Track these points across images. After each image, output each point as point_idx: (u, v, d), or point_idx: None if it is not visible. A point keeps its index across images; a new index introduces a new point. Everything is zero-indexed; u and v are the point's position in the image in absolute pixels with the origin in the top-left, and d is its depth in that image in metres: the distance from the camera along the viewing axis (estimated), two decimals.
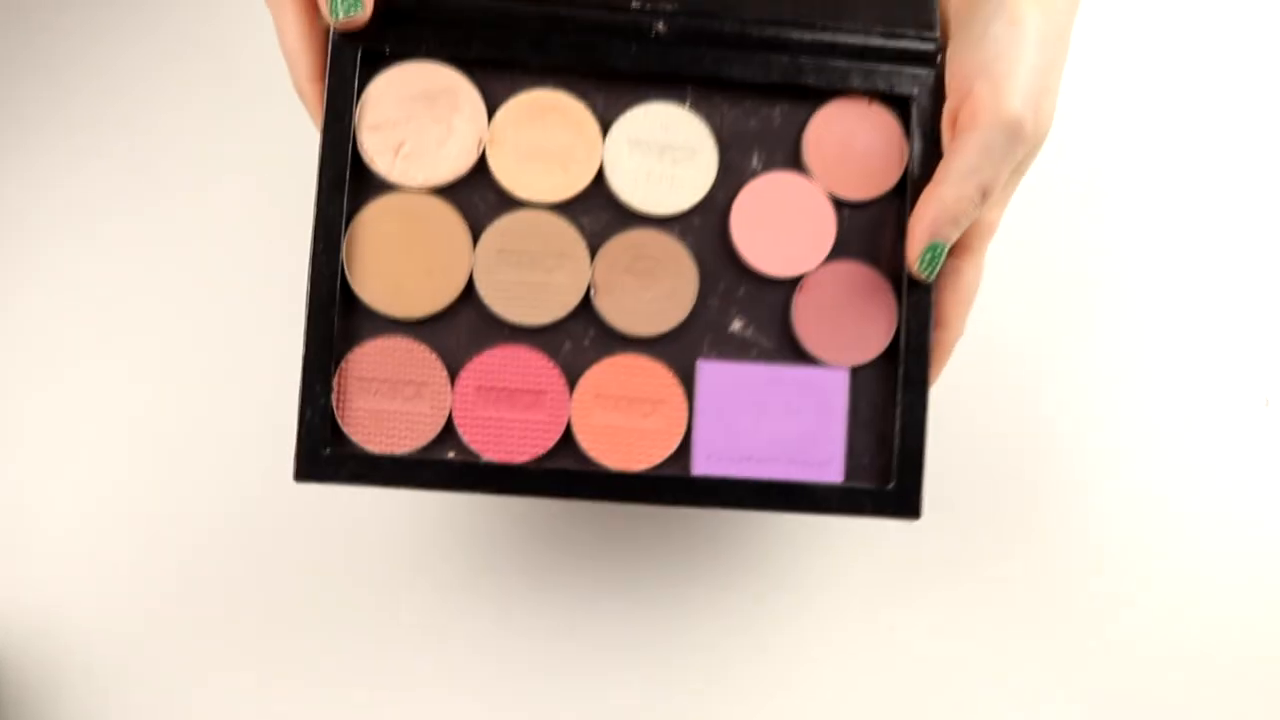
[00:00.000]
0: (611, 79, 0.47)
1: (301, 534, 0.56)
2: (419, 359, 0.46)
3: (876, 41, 0.47)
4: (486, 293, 0.46)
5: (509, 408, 0.46)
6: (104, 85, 0.59)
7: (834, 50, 0.47)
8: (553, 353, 0.46)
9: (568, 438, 0.46)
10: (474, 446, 0.46)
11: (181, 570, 0.56)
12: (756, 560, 0.56)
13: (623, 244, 0.46)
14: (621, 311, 0.46)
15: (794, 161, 0.47)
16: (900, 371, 0.46)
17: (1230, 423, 0.57)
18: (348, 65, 0.45)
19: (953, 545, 0.56)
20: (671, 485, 0.46)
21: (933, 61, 0.47)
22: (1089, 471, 0.57)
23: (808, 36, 0.46)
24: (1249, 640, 0.56)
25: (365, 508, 0.56)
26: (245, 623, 0.55)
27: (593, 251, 0.46)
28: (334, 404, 0.45)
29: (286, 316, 0.55)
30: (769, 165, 0.47)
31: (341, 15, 0.44)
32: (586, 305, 0.46)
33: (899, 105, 0.47)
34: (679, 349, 0.47)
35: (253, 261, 0.58)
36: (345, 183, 0.45)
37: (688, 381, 0.47)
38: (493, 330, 0.46)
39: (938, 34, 0.47)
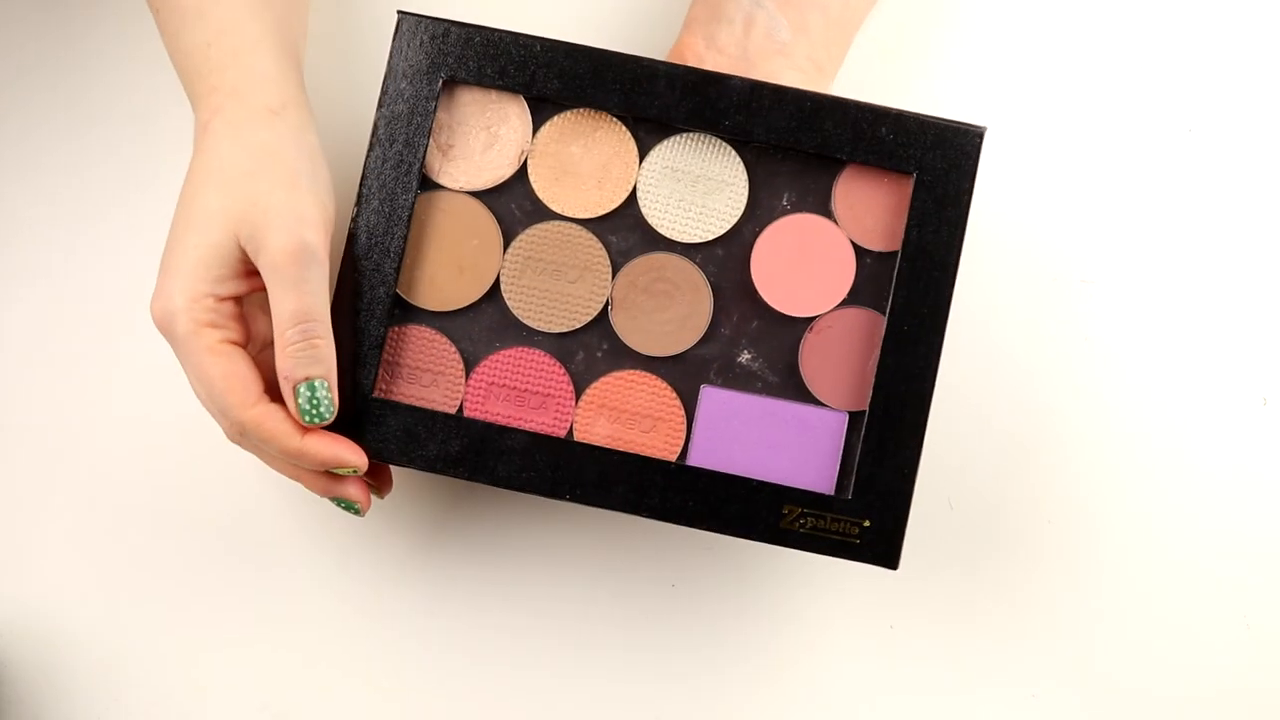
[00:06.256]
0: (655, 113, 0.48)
1: (303, 535, 0.56)
2: (439, 349, 0.49)
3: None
4: (510, 296, 0.49)
5: (516, 406, 0.48)
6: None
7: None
8: (565, 360, 0.49)
9: None
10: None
11: (182, 571, 0.56)
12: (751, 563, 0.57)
13: (644, 265, 0.48)
14: (635, 329, 0.48)
15: (823, 206, 0.49)
16: (896, 423, 0.47)
17: (1228, 421, 0.57)
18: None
19: (947, 539, 0.56)
20: (659, 505, 0.48)
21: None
22: (1086, 470, 0.57)
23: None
24: (1248, 640, 0.56)
25: (371, 514, 0.56)
26: (246, 622, 0.56)
27: (615, 269, 0.48)
28: None
29: None
30: (798, 207, 0.49)
31: (314, 421, 0.46)
32: (603, 319, 0.49)
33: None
34: (686, 372, 0.49)
35: None
36: None
37: (690, 404, 0.48)
38: (511, 332, 0.49)
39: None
